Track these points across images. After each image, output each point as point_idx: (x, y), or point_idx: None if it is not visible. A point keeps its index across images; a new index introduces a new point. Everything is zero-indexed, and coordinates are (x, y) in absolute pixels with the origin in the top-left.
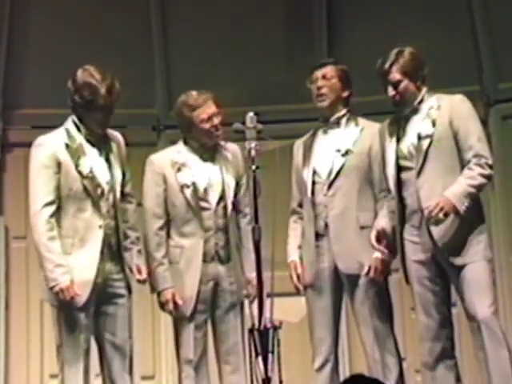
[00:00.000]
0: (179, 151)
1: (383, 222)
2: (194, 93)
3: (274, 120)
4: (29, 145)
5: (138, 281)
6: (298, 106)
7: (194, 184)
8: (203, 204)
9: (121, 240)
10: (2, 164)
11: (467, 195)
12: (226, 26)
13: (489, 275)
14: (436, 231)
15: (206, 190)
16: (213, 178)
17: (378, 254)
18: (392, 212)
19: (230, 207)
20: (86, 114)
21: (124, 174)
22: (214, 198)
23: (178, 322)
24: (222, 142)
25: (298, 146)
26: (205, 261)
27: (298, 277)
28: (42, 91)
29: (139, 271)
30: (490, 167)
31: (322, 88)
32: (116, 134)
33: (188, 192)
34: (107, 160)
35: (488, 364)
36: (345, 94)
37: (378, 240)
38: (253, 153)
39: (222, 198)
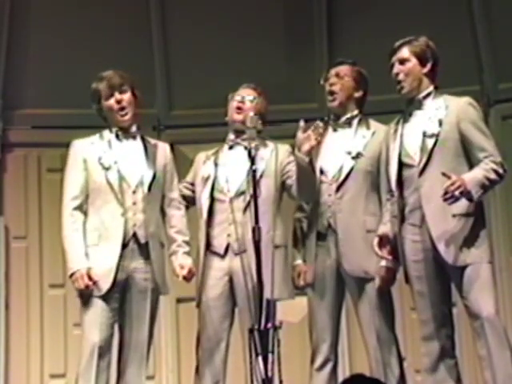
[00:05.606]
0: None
1: (385, 227)
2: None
3: (273, 120)
4: (29, 145)
5: (184, 278)
6: (298, 106)
7: (213, 176)
8: (220, 196)
9: (149, 237)
10: (2, 164)
11: (482, 185)
12: (226, 26)
13: (491, 276)
14: (435, 231)
15: (226, 181)
16: (234, 170)
17: (383, 263)
18: (394, 217)
19: (247, 200)
20: (107, 115)
21: (154, 176)
22: (232, 190)
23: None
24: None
25: None
26: (217, 254)
27: (300, 279)
28: (42, 91)
29: (182, 268)
30: (503, 168)
31: (334, 85)
32: (159, 143)
33: (207, 183)
34: (140, 157)
35: (492, 362)
36: (357, 95)
37: (381, 246)
38: (253, 153)
39: (242, 191)
